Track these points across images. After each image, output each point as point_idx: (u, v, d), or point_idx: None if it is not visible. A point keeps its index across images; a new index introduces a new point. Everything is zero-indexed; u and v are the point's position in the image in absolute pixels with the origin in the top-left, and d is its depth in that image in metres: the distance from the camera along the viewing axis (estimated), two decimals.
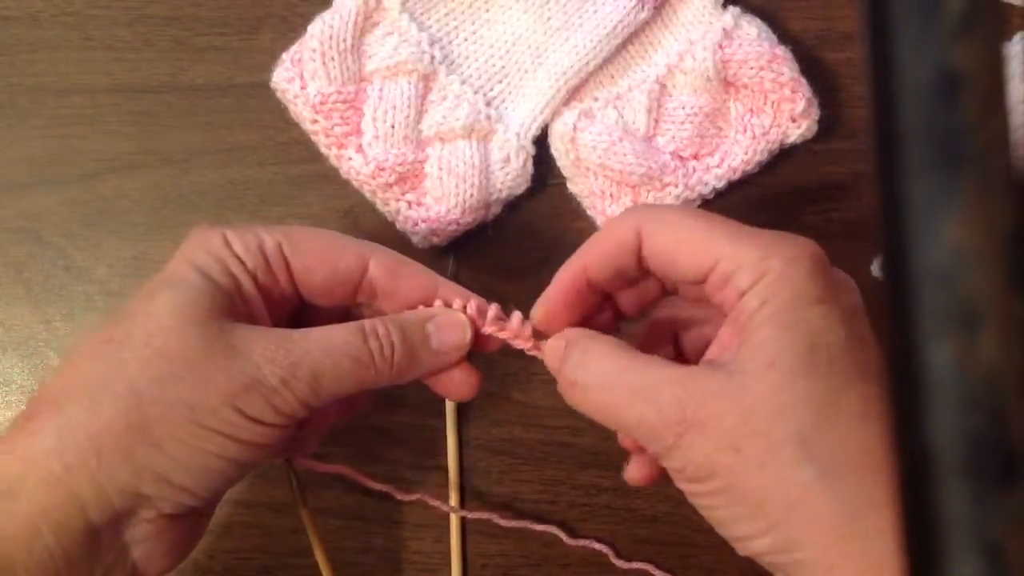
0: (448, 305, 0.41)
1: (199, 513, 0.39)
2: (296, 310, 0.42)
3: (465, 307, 0.41)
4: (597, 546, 0.49)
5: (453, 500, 0.50)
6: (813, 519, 0.33)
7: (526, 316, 0.41)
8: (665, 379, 0.36)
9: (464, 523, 0.50)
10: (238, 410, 0.36)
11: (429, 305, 0.41)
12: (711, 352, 0.38)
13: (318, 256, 0.40)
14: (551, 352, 0.40)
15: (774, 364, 0.34)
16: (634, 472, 0.42)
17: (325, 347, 0.38)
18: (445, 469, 0.50)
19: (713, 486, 0.35)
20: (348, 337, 0.39)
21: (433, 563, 0.50)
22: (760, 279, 0.35)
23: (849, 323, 0.35)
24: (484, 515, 0.48)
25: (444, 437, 0.50)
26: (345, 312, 0.43)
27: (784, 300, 0.35)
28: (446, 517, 0.50)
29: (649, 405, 0.35)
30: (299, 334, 0.38)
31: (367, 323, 0.39)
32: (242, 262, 0.39)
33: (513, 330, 0.41)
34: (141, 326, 0.37)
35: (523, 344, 0.41)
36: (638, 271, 0.39)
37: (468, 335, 0.41)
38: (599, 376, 0.37)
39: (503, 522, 0.48)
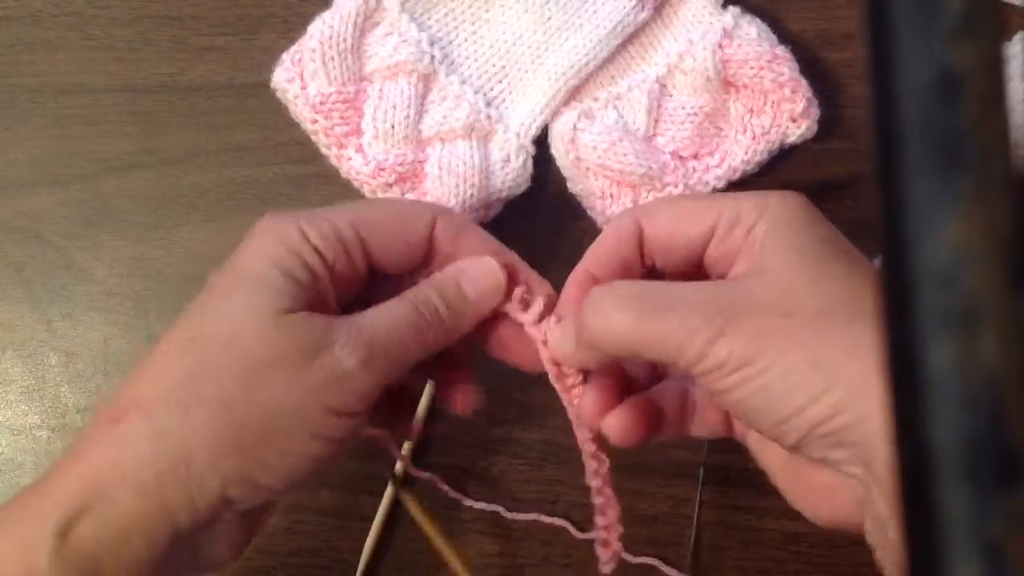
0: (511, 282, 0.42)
1: (270, 505, 0.40)
2: (365, 285, 0.42)
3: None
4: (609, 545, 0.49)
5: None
6: (870, 369, 0.33)
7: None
8: (692, 289, 0.37)
9: (464, 524, 0.50)
10: (324, 406, 0.37)
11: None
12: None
13: (392, 232, 0.41)
14: (566, 302, 0.41)
15: (798, 252, 0.36)
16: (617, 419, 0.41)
17: (388, 324, 0.38)
18: (457, 468, 0.50)
19: (763, 363, 0.34)
20: (403, 310, 0.39)
21: (436, 562, 0.50)
22: (763, 213, 0.38)
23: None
24: (493, 507, 0.48)
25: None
26: (408, 279, 0.43)
27: (790, 217, 0.37)
28: (447, 515, 0.50)
29: (684, 308, 0.35)
30: (363, 317, 0.38)
31: (411, 292, 0.40)
32: (320, 254, 0.39)
33: (532, 315, 0.41)
34: (224, 327, 0.37)
35: (531, 329, 0.41)
36: (641, 263, 0.40)
37: (500, 279, 0.41)
38: (624, 298, 0.37)
39: (509, 515, 0.48)
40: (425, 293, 0.40)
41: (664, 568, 0.49)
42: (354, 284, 0.41)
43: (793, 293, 0.35)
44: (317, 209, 0.40)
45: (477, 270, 0.41)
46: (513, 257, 0.42)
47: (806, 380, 0.34)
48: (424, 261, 0.42)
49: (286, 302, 0.37)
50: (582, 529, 0.50)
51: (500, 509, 0.48)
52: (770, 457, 0.40)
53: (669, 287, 0.38)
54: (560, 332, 0.41)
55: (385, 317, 0.39)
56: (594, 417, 0.40)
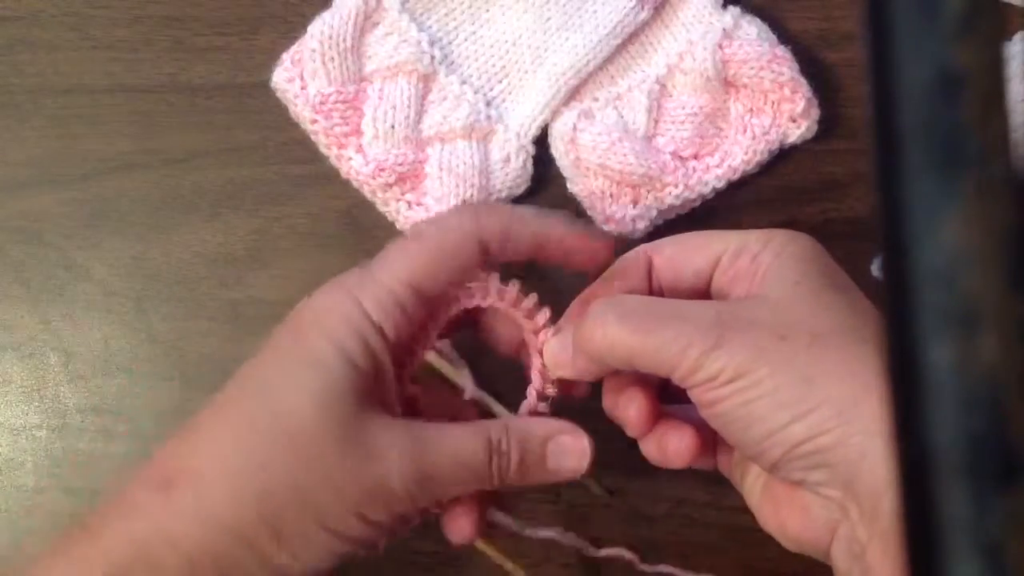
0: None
1: None
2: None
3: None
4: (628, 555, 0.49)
5: None
6: (866, 389, 0.34)
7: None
8: (691, 304, 0.37)
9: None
10: (361, 516, 0.37)
11: (540, 253, 0.41)
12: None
13: (446, 273, 0.40)
14: (568, 318, 0.41)
15: (800, 281, 0.37)
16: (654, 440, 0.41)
17: (454, 459, 0.38)
18: None
19: (755, 378, 0.35)
20: (476, 451, 0.38)
21: (432, 563, 0.50)
22: (769, 243, 0.38)
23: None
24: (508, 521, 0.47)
25: None
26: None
27: (795, 250, 0.38)
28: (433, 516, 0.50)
29: (683, 320, 0.36)
30: (426, 437, 0.38)
31: (493, 434, 0.39)
32: (384, 336, 0.38)
33: (536, 324, 0.42)
34: (282, 415, 0.36)
35: (530, 336, 0.42)
36: (648, 292, 0.41)
37: (586, 462, 0.41)
38: (625, 309, 0.37)
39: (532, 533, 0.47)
40: (506, 440, 0.39)
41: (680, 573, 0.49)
42: (412, 334, 0.40)
43: (791, 318, 0.36)
44: (372, 267, 0.39)
45: (570, 446, 0.41)
46: (563, 229, 0.41)
47: (794, 398, 0.34)
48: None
49: (348, 394, 0.37)
50: (578, 532, 0.50)
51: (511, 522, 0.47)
52: (748, 480, 0.41)
53: (669, 302, 0.38)
54: (558, 341, 0.41)
55: (452, 445, 0.38)
56: (642, 427, 0.40)
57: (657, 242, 0.42)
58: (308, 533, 0.36)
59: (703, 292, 0.41)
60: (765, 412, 0.35)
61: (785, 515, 0.38)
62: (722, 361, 0.35)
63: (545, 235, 0.41)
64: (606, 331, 0.37)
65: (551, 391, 0.43)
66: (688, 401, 0.38)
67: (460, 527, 0.42)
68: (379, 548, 0.40)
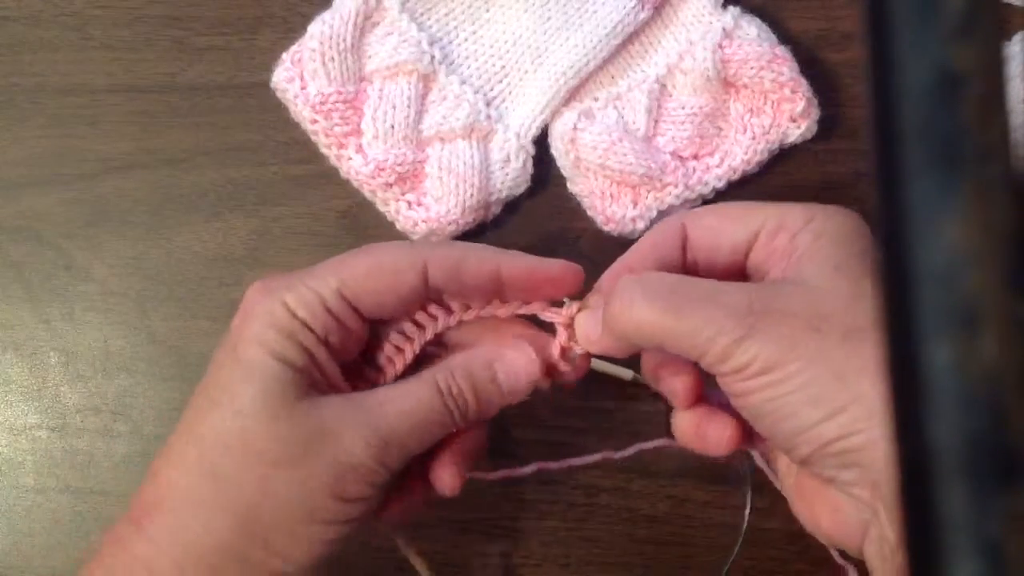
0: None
1: None
2: (365, 339, 0.41)
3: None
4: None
5: None
6: None
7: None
8: (724, 287, 0.36)
9: (463, 524, 0.50)
10: (339, 497, 0.37)
11: (497, 290, 0.40)
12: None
13: (381, 290, 0.39)
14: (599, 292, 0.40)
15: (840, 267, 0.36)
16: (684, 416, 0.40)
17: (410, 416, 0.38)
18: None
19: (786, 372, 0.34)
20: (428, 400, 0.38)
21: (433, 563, 0.50)
22: (809, 221, 0.37)
23: None
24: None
25: None
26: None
27: (835, 229, 0.37)
28: (434, 516, 0.50)
29: (714, 305, 0.35)
30: (376, 402, 0.38)
31: (441, 379, 0.39)
32: (312, 331, 0.38)
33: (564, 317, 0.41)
34: (233, 429, 0.37)
35: (552, 315, 0.41)
36: (683, 266, 0.40)
37: (536, 370, 0.40)
38: (653, 288, 0.36)
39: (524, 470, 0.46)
40: (453, 380, 0.39)
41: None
42: (354, 343, 0.40)
43: (826, 308, 0.35)
44: (301, 273, 0.39)
45: (515, 361, 0.40)
46: (523, 262, 0.40)
47: (826, 395, 0.34)
48: (422, 303, 0.41)
49: (290, 392, 0.37)
50: (577, 533, 0.50)
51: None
52: (780, 469, 0.40)
53: (701, 283, 0.37)
54: (588, 316, 0.40)
55: (403, 403, 0.38)
56: (689, 401, 0.40)
57: (693, 211, 0.41)
58: (294, 531, 0.36)
59: (740, 266, 0.40)
60: (795, 408, 0.34)
61: (818, 511, 0.37)
62: (752, 352, 0.34)
63: (507, 269, 0.40)
64: (633, 310, 0.36)
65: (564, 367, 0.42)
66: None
67: (442, 479, 0.41)
68: (372, 517, 0.40)
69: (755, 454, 0.43)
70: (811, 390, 0.34)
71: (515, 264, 0.40)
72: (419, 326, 0.42)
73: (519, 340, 0.41)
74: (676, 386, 0.40)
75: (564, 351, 0.41)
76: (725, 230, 0.39)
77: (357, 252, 0.40)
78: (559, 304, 0.41)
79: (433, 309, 0.42)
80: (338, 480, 0.37)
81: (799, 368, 0.34)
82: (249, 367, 0.37)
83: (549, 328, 0.42)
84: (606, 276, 0.41)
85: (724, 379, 0.36)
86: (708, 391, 0.40)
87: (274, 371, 0.37)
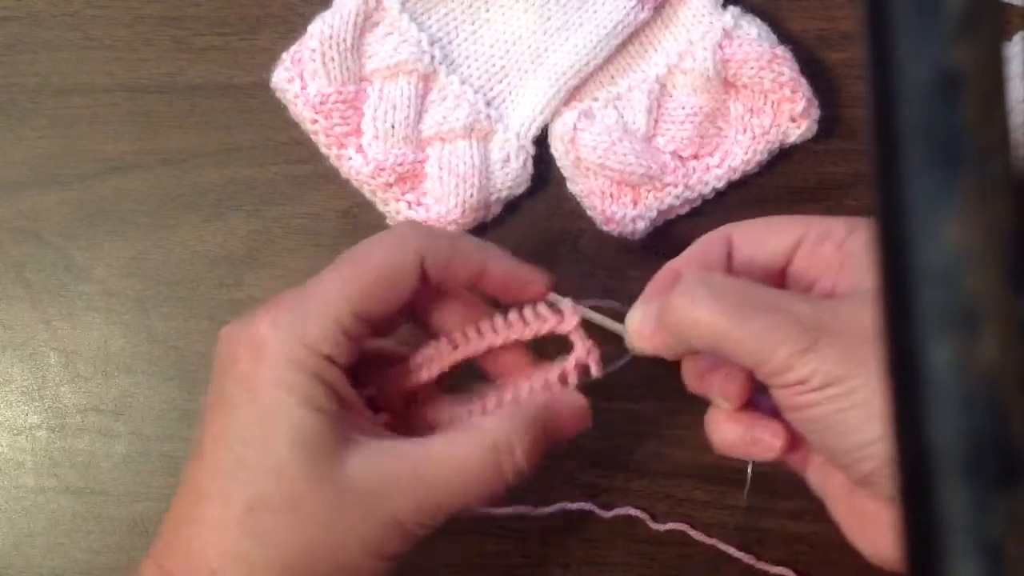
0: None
1: None
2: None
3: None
4: (633, 512, 0.49)
5: None
6: None
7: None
8: (793, 297, 0.36)
9: (465, 522, 0.50)
10: (378, 555, 0.36)
11: (479, 284, 0.40)
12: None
13: (390, 298, 0.38)
14: (653, 290, 0.39)
15: None
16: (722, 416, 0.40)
17: (463, 482, 0.36)
18: None
19: (849, 386, 0.33)
20: (478, 456, 0.36)
21: (433, 565, 0.50)
22: (855, 229, 0.37)
23: None
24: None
25: None
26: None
27: None
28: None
29: (780, 314, 0.34)
30: (427, 460, 0.36)
31: (491, 431, 0.37)
32: (337, 365, 0.37)
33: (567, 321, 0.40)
34: (279, 492, 0.35)
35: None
36: (727, 271, 0.40)
37: (588, 419, 0.39)
38: (720, 288, 0.35)
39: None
40: (508, 437, 0.37)
41: (692, 532, 0.48)
42: (357, 355, 0.39)
43: None
44: (307, 294, 0.37)
45: (568, 408, 0.39)
46: (506, 263, 0.40)
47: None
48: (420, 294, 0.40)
49: (327, 443, 0.35)
50: (584, 527, 0.50)
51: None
52: (832, 487, 0.39)
53: (766, 290, 0.36)
54: (642, 311, 0.39)
55: (454, 468, 0.36)
56: (740, 401, 0.39)
57: (741, 222, 0.41)
58: None
59: (778, 274, 0.39)
60: (858, 423, 0.33)
61: (875, 534, 0.37)
62: (814, 365, 0.33)
63: (490, 266, 0.39)
64: (695, 309, 0.35)
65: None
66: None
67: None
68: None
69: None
70: (872, 406, 0.33)
71: (498, 264, 0.40)
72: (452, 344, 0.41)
73: (575, 393, 0.40)
74: (729, 388, 0.39)
75: (578, 367, 0.40)
76: (768, 238, 0.39)
77: (355, 259, 0.38)
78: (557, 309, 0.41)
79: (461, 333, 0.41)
80: (382, 541, 0.36)
81: (861, 384, 0.33)
82: (278, 418, 0.35)
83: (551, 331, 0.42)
84: (659, 276, 0.40)
85: (782, 391, 0.35)
86: (757, 397, 0.40)
87: (307, 422, 0.35)
